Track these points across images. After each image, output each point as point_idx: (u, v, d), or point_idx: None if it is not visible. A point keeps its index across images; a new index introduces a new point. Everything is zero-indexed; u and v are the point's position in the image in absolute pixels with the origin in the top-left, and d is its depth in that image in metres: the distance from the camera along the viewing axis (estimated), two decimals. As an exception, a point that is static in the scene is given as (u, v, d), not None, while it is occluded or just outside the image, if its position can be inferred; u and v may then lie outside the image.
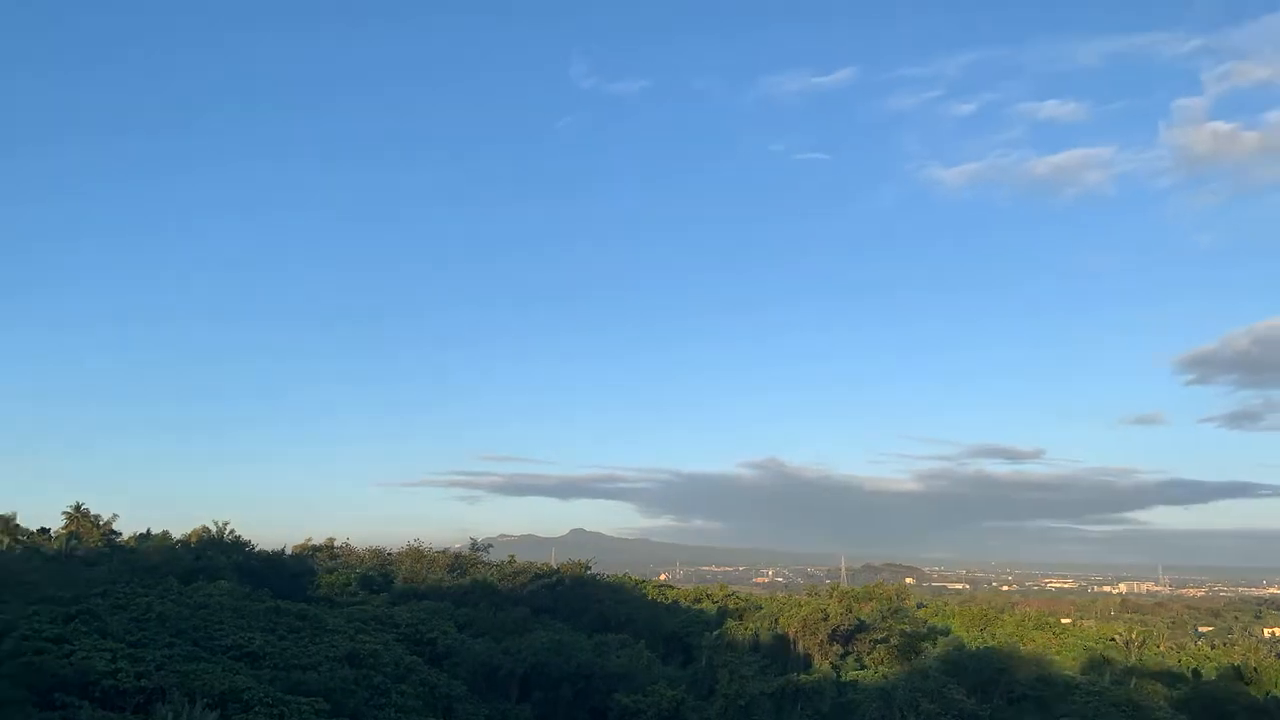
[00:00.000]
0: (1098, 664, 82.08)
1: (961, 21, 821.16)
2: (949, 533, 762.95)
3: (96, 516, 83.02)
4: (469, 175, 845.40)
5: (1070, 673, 72.78)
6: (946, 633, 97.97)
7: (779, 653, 76.40)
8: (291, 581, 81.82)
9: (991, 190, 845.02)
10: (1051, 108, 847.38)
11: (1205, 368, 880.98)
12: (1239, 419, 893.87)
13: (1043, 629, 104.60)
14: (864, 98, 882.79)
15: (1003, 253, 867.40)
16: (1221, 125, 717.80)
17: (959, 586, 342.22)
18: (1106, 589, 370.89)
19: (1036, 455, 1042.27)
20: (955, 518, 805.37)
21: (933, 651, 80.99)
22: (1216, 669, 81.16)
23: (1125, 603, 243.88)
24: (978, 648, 79.89)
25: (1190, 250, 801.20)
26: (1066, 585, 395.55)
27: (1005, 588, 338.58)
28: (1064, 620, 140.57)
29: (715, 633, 79.78)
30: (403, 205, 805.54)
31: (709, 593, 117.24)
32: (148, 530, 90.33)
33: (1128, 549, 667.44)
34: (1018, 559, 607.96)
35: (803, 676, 66.84)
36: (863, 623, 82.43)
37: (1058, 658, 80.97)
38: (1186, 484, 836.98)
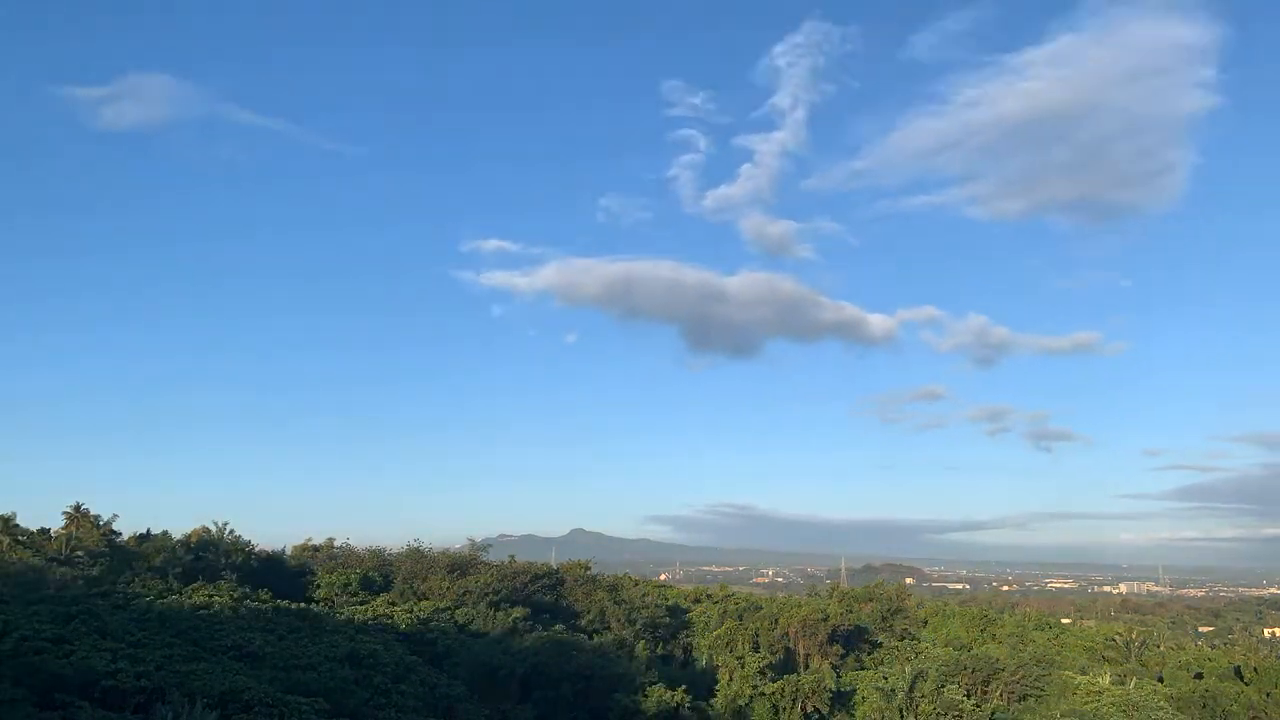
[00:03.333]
0: (1097, 664, 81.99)
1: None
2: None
3: (96, 516, 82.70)
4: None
5: (1070, 673, 72.71)
6: (947, 633, 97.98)
7: (779, 653, 76.35)
8: (291, 582, 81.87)
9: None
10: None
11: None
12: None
13: (1043, 629, 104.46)
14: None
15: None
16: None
17: (959, 586, 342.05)
18: (1107, 589, 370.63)
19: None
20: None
21: (933, 652, 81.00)
22: (1216, 669, 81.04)
23: (1125, 603, 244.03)
24: (977, 648, 79.93)
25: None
26: (1066, 585, 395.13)
27: (1005, 588, 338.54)
28: (1064, 620, 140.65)
29: (715, 633, 79.75)
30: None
31: (709, 593, 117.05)
32: (148, 530, 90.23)
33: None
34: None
35: (802, 677, 66.86)
36: (863, 624, 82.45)
37: (1058, 658, 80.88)
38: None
